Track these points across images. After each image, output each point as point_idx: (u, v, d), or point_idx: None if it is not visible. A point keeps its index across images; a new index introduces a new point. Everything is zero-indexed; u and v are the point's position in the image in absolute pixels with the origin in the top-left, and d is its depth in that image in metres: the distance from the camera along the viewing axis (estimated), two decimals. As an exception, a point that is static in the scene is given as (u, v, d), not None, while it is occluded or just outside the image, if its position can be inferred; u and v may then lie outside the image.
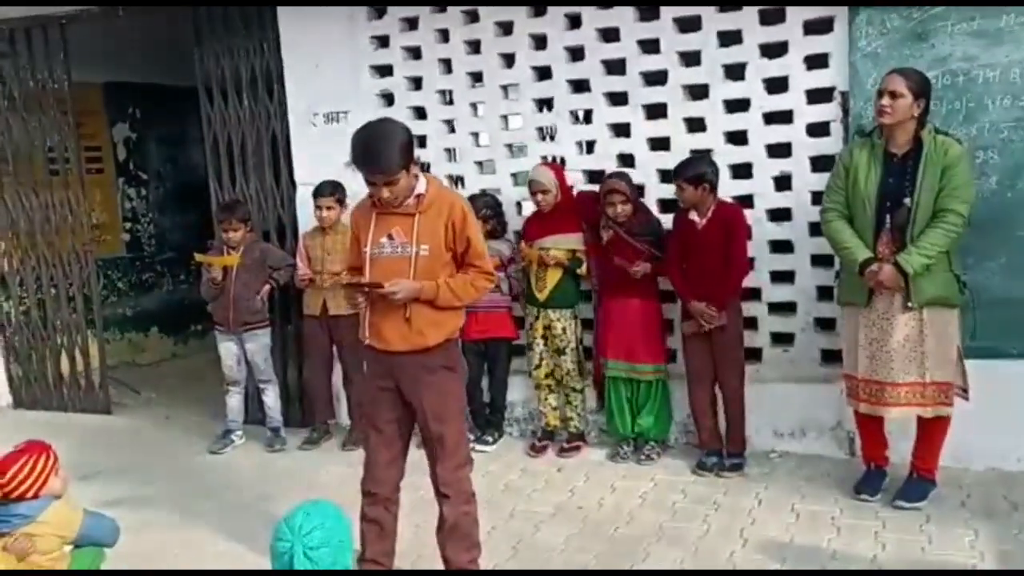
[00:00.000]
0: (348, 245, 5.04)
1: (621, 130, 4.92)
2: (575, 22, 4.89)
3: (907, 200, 3.74)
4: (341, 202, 5.06)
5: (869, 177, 3.82)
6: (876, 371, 3.88)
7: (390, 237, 3.21)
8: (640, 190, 4.77)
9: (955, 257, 3.83)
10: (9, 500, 3.40)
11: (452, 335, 3.31)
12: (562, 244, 4.79)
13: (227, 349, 5.34)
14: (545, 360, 4.94)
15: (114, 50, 6.74)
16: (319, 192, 5.08)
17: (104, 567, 3.68)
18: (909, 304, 3.77)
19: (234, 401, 5.44)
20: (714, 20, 4.58)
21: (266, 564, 2.13)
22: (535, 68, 5.03)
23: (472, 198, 4.96)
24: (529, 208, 5.08)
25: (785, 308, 4.72)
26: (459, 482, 3.34)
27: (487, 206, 4.95)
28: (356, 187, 3.75)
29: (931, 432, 3.95)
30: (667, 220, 4.68)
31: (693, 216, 4.42)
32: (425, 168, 5.32)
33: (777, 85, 4.56)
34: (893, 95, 3.71)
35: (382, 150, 3.06)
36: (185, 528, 4.22)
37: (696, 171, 4.35)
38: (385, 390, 3.33)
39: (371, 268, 3.23)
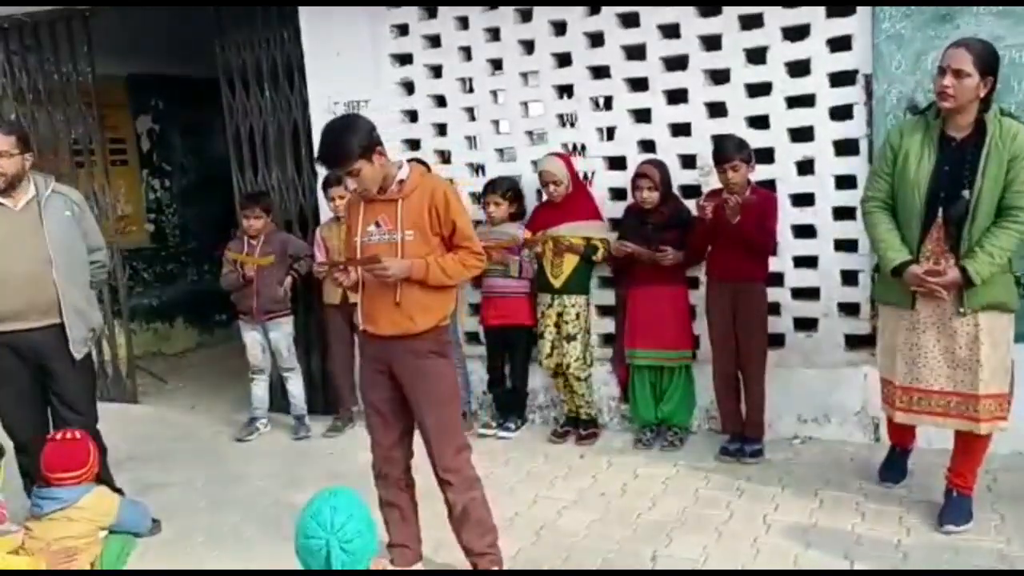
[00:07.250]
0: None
1: (642, 116, 4.90)
2: (595, 8, 4.86)
3: (965, 192, 3.27)
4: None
5: (922, 163, 3.37)
6: (919, 378, 3.50)
7: (377, 224, 3.25)
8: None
9: (1015, 257, 3.41)
10: (51, 485, 3.51)
11: (443, 321, 3.31)
12: (579, 231, 4.79)
13: (251, 338, 5.39)
14: (557, 349, 4.93)
15: (137, 42, 6.80)
16: (328, 183, 5.12)
17: (132, 552, 3.76)
18: (961, 310, 3.35)
19: (259, 389, 5.50)
20: (735, 4, 4.54)
21: (291, 551, 2.14)
22: (555, 55, 5.01)
23: (497, 181, 5.00)
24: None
25: (808, 293, 4.69)
26: (460, 468, 3.32)
27: (511, 187, 4.98)
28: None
29: (975, 447, 3.55)
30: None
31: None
32: (446, 157, 5.35)
33: (799, 68, 4.52)
34: (958, 74, 3.20)
35: (336, 143, 3.11)
36: (211, 514, 4.27)
37: (747, 149, 4.31)
38: (380, 373, 3.35)
39: (362, 256, 3.27)
